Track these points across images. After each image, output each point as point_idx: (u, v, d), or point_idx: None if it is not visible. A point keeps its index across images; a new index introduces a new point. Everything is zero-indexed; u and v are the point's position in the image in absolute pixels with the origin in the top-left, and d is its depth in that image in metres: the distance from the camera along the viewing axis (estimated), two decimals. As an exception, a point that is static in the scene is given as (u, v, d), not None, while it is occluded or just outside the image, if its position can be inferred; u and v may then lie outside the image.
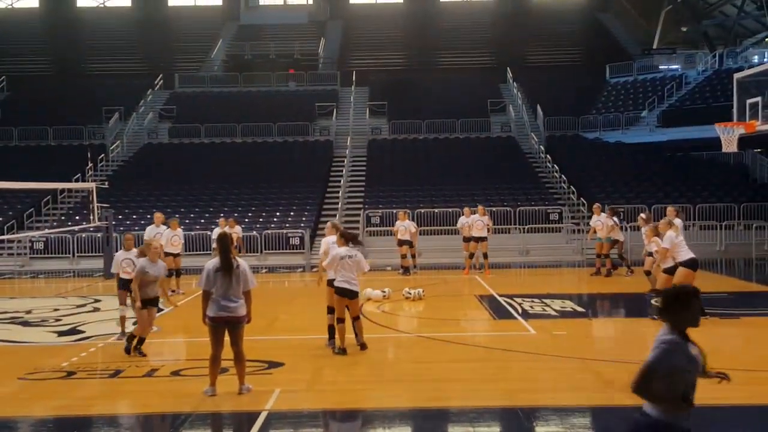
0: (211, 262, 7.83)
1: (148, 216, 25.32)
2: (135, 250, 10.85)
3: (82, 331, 12.07)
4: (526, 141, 32.49)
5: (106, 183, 24.26)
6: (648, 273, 14.92)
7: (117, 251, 12.21)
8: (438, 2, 47.04)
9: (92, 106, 34.27)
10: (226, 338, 7.76)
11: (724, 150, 20.19)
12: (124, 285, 10.69)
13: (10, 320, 13.40)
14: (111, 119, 33.75)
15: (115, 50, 41.77)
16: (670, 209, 15.62)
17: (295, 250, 23.42)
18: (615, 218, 18.66)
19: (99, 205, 20.11)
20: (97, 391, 8.42)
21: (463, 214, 19.92)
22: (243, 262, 7.83)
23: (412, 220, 21.37)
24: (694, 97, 32.01)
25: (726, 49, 36.57)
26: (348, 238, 9.94)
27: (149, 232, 16.03)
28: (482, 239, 19.32)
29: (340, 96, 37.02)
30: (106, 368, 9.47)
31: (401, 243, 19.54)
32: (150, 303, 9.84)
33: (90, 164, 27.09)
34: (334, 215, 25.35)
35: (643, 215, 15.92)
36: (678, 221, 14.97)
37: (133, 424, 7.43)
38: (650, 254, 14.89)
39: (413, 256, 19.89)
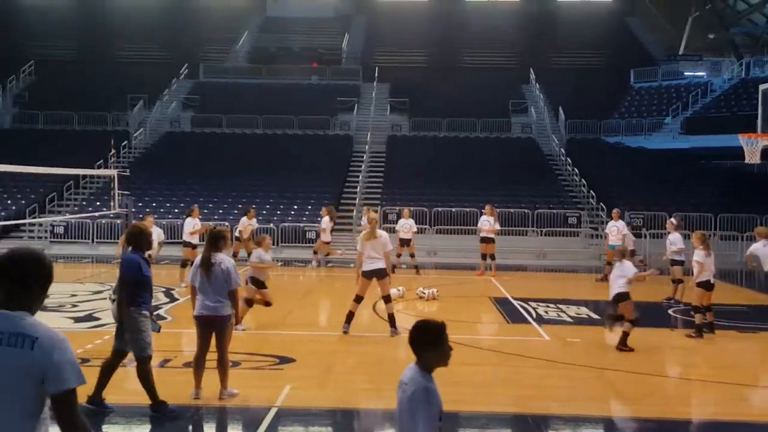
0: (199, 256, 7.65)
1: (168, 204, 25.60)
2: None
3: (98, 318, 12.15)
4: (546, 143, 32.30)
5: (128, 170, 24.44)
6: (676, 281, 14.80)
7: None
8: (463, 1, 46.85)
9: (117, 92, 34.57)
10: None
11: (747, 161, 19.94)
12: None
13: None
14: (135, 106, 34.01)
15: (141, 38, 42.06)
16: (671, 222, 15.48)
17: (311, 245, 23.44)
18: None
19: (120, 191, 20.28)
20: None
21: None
22: (228, 260, 7.50)
23: (414, 218, 20.84)
24: (718, 105, 31.66)
25: (753, 58, 36.08)
26: None
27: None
28: (488, 240, 19.02)
29: (361, 91, 37.01)
30: (120, 357, 9.50)
31: (402, 242, 19.26)
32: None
33: (113, 151, 27.36)
34: (352, 210, 25.40)
35: (673, 220, 15.72)
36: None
37: (143, 414, 7.46)
38: (675, 262, 14.75)
39: (412, 255, 19.59)
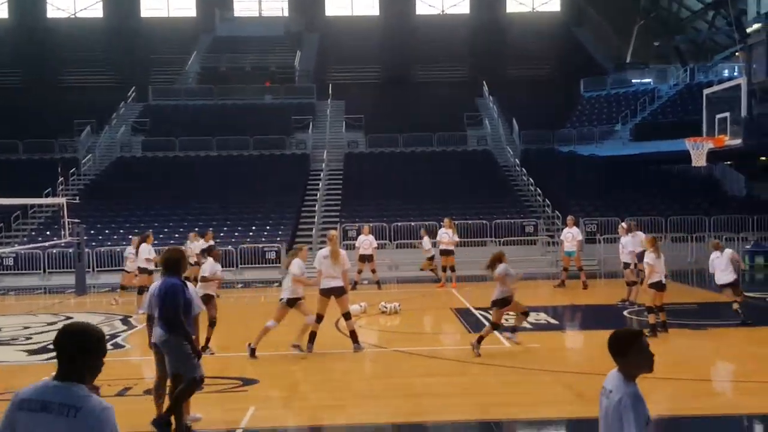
0: (155, 284, 7.42)
1: (121, 231, 25.16)
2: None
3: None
4: (502, 154, 32.75)
5: (77, 198, 23.93)
6: (630, 284, 15.14)
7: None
8: (414, 15, 47.29)
9: (63, 118, 33.77)
10: None
11: (693, 164, 20.58)
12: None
13: (-21, 338, 13.15)
14: (83, 132, 33.32)
15: (86, 62, 41.30)
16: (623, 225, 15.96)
17: (271, 265, 23.33)
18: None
19: (70, 220, 19.84)
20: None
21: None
22: (188, 286, 7.36)
23: (374, 234, 20.96)
24: (665, 111, 32.53)
25: (697, 64, 37.22)
26: None
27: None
28: (448, 252, 19.25)
29: (316, 109, 37.03)
30: (77, 387, 9.29)
31: (362, 258, 19.32)
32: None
33: (61, 178, 26.77)
34: (311, 229, 25.35)
35: (624, 224, 16.10)
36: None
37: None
38: (627, 265, 15.15)
39: (373, 271, 19.66)
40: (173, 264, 7.01)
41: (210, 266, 10.91)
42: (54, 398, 2.97)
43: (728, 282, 12.63)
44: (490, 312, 11.00)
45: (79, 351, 3.08)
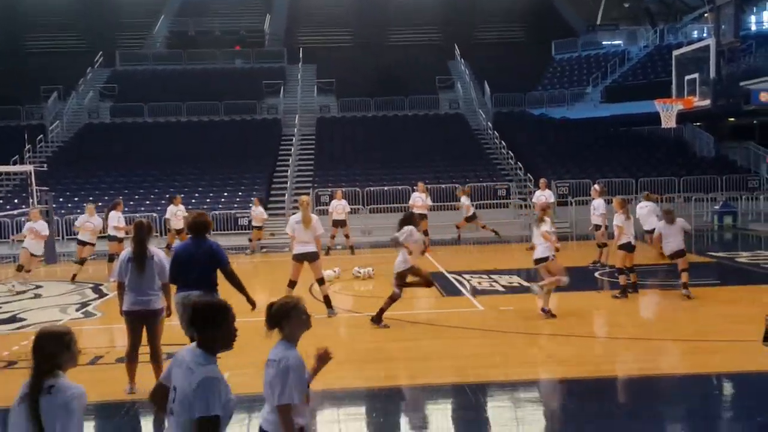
0: (126, 251, 7.46)
1: (90, 198, 24.72)
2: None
3: (23, 319, 11.75)
4: (474, 117, 32.70)
5: (45, 165, 23.49)
6: (601, 245, 15.32)
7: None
8: (385, -23, 46.55)
9: (29, 85, 33.08)
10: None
11: (663, 125, 20.73)
12: None
13: (-53, 309, 12.93)
14: (49, 98, 32.64)
15: (52, 27, 40.27)
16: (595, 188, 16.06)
17: (243, 231, 23.19)
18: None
19: (38, 188, 19.53)
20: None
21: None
22: (159, 252, 7.42)
23: (346, 198, 20.76)
24: (636, 73, 32.66)
25: (667, 25, 37.31)
26: None
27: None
28: (421, 216, 19.18)
29: (287, 73, 36.56)
30: (48, 357, 9.21)
31: (336, 223, 19.31)
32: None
33: (28, 146, 26.27)
34: (283, 195, 25.20)
35: (596, 187, 16.21)
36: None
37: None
38: (599, 227, 15.31)
39: (346, 236, 19.70)
40: (202, 227, 7.48)
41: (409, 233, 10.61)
42: (186, 358, 3.62)
43: (680, 249, 11.79)
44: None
45: (202, 322, 3.65)
